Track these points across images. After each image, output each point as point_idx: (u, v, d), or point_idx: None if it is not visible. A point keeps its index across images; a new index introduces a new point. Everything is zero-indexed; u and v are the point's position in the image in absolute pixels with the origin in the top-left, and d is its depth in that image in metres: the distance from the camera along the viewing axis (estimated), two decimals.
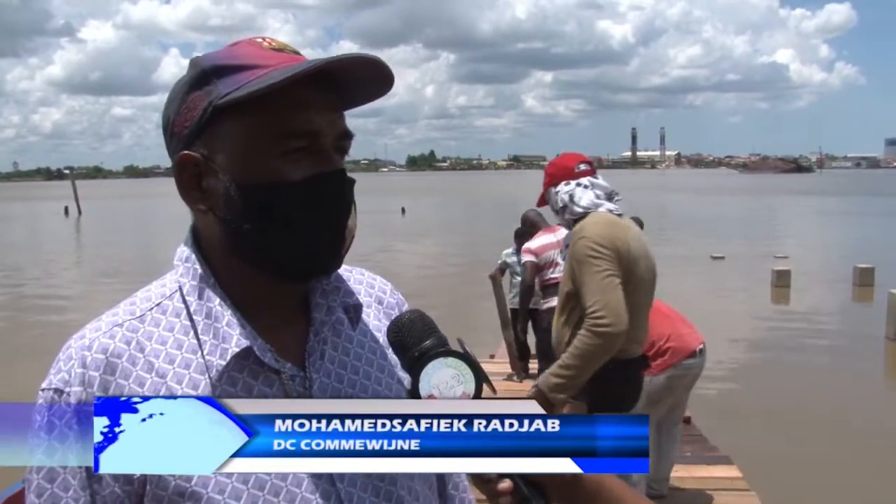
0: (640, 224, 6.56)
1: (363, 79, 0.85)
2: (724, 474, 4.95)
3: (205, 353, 0.84)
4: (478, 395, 0.78)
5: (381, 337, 0.97)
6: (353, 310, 0.95)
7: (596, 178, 2.97)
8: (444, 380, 0.78)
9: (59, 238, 32.34)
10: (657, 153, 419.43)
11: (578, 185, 2.94)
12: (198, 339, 0.85)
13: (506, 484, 0.76)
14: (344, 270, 0.96)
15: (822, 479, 5.69)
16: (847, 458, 6.09)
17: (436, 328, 0.83)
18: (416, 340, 0.82)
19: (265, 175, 0.82)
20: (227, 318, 0.85)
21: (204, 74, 0.84)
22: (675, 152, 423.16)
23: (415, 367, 0.79)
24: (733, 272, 17.18)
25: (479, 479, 0.78)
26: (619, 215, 2.95)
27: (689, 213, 38.23)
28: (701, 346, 4.28)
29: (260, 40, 0.86)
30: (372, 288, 1.03)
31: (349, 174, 0.88)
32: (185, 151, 0.84)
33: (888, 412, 7.55)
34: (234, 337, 0.84)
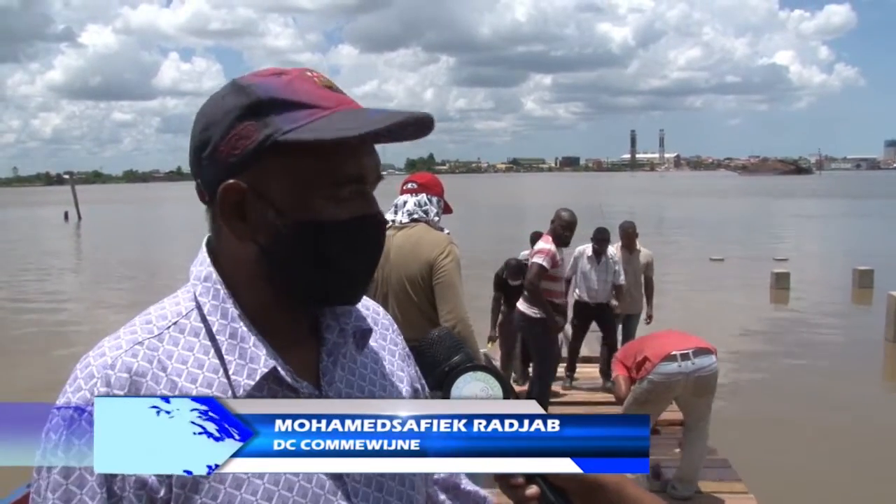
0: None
1: (410, 130, 0.87)
2: (722, 478, 4.95)
3: (230, 372, 0.85)
4: None
5: (381, 357, 1.02)
6: (361, 334, 0.98)
7: (413, 196, 3.49)
8: (473, 393, 0.81)
9: (60, 243, 32.33)
10: (656, 155, 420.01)
11: (396, 201, 3.53)
12: (220, 359, 0.85)
13: (533, 489, 0.78)
14: None
15: (820, 482, 5.68)
16: (845, 461, 6.08)
17: (463, 344, 0.87)
18: (445, 356, 0.86)
19: (315, 213, 0.84)
20: (252, 338, 0.86)
21: (260, 105, 0.83)
22: (675, 154, 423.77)
23: (445, 381, 0.82)
24: (732, 275, 17.17)
25: (506, 485, 0.80)
26: (400, 227, 3.41)
27: (688, 216, 38.23)
28: (685, 351, 4.32)
29: (309, 74, 0.87)
30: (367, 309, 1.04)
31: None
32: (233, 181, 0.84)
33: (886, 414, 7.55)
34: (261, 357, 0.85)
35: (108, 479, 0.78)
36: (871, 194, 62.36)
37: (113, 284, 17.90)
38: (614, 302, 7.06)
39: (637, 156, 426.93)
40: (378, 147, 0.89)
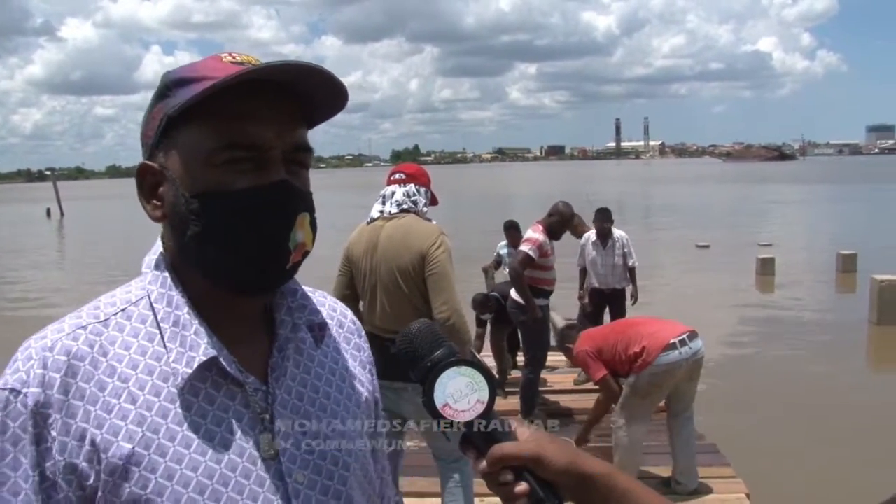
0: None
1: (315, 90, 0.85)
2: (711, 463, 4.97)
3: (171, 360, 0.83)
4: (491, 402, 0.80)
5: (342, 358, 0.99)
6: (318, 328, 0.95)
7: (402, 186, 3.44)
8: (458, 388, 0.79)
9: (42, 240, 32.00)
10: (641, 143, 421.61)
11: (384, 191, 3.49)
12: (164, 346, 0.84)
13: (522, 486, 0.77)
14: (307, 291, 0.98)
15: (807, 464, 5.73)
16: (832, 443, 6.14)
17: (445, 338, 0.84)
18: (428, 351, 0.82)
19: (207, 184, 0.82)
20: (194, 326, 0.84)
21: (166, 87, 0.86)
22: (660, 142, 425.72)
23: (428, 377, 0.80)
24: (718, 261, 17.26)
25: (494, 482, 0.78)
26: (389, 217, 3.38)
27: (673, 203, 38.39)
28: (682, 337, 4.29)
29: (224, 55, 0.87)
30: (334, 311, 1.03)
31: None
32: (145, 161, 0.87)
33: (871, 395, 7.63)
34: (201, 346, 0.83)
35: (41, 463, 0.77)
36: (854, 179, 62.86)
37: (96, 281, 17.73)
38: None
39: (622, 144, 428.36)
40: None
